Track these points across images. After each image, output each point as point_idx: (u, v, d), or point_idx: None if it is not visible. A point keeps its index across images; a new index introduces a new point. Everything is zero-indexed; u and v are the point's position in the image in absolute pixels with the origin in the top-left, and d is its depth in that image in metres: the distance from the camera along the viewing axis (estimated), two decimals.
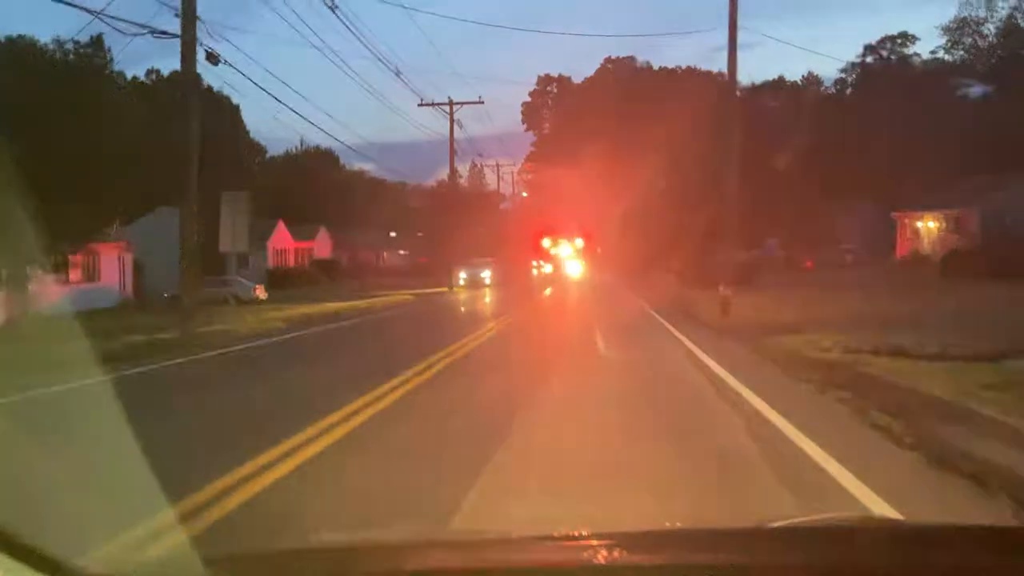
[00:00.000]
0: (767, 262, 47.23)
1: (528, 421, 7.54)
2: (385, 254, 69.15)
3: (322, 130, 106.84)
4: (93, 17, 13.66)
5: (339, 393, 8.76)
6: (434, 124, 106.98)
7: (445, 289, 40.88)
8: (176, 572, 1.71)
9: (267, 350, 14.99)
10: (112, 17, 13.46)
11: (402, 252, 72.53)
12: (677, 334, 15.86)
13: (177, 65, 15.74)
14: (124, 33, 13.62)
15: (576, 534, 1.85)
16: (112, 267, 33.35)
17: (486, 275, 45.67)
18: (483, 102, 42.59)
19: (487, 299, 33.39)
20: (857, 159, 53.61)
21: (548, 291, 34.92)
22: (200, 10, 15.10)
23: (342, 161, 76.88)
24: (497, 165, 72.26)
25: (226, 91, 72.79)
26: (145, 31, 13.68)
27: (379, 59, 29.63)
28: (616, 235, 69.49)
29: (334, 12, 20.80)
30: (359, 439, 6.82)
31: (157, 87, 68.49)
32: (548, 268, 63.75)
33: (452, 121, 39.95)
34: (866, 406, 7.55)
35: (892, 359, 10.66)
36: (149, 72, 70.57)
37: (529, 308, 26.91)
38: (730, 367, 10.68)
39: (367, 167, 78.02)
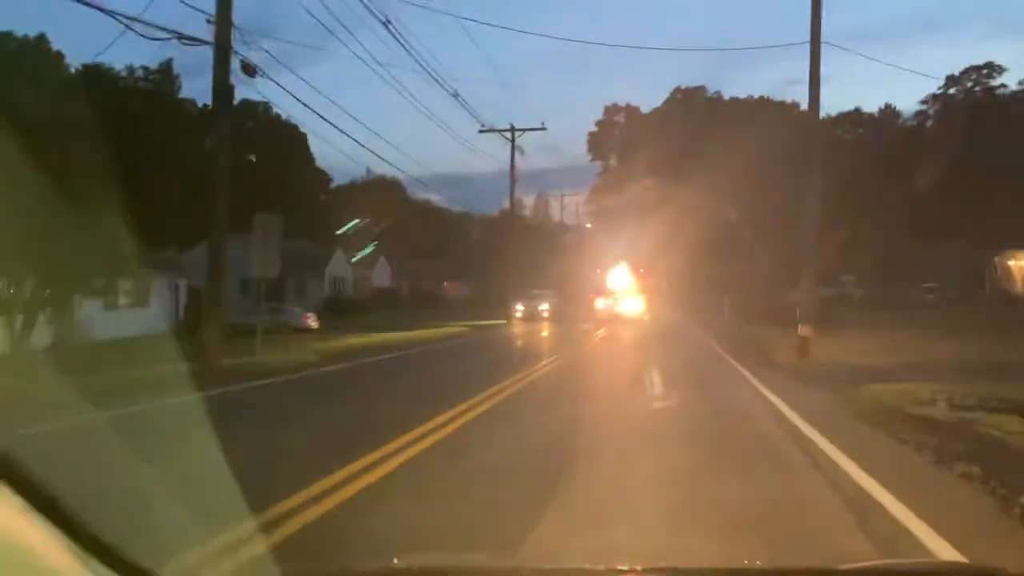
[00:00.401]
0: (843, 300, 44.73)
1: (558, 511, 5.96)
2: (447, 284, 68.23)
3: (384, 160, 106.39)
4: (121, 24, 12.64)
5: (327, 459, 6.91)
6: (500, 153, 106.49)
7: (503, 321, 39.51)
8: None
9: (285, 388, 13.70)
10: (133, 19, 12.48)
11: (463, 282, 71.56)
12: (752, 380, 14.08)
13: (246, 94, 14.80)
14: (148, 38, 12.63)
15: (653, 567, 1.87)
16: (163, 293, 32.79)
17: (544, 308, 44.17)
18: (546, 128, 41.42)
19: (544, 333, 31.84)
20: (941, 194, 50.83)
21: (604, 329, 33.20)
22: (275, 48, 14.22)
23: (408, 191, 76.90)
24: (562, 196, 70.92)
25: (294, 120, 72.72)
26: (170, 36, 12.68)
27: (436, 79, 28.71)
28: (684, 269, 67.52)
29: (387, 27, 19.72)
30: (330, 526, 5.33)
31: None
32: (609, 302, 62.11)
33: (513, 147, 38.77)
34: (1008, 489, 5.79)
35: (1012, 417, 8.85)
36: None
37: (586, 345, 25.28)
38: (819, 424, 8.91)
39: (433, 197, 77.69)
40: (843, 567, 1.78)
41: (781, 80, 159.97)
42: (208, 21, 13.60)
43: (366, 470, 6.58)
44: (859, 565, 1.80)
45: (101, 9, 12.04)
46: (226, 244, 15.48)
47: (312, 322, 31.83)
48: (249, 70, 14.42)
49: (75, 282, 22.55)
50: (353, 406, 11.36)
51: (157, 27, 12.75)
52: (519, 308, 43.13)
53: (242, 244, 18.48)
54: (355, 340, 22.99)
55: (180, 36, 13.00)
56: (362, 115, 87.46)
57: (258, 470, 6.40)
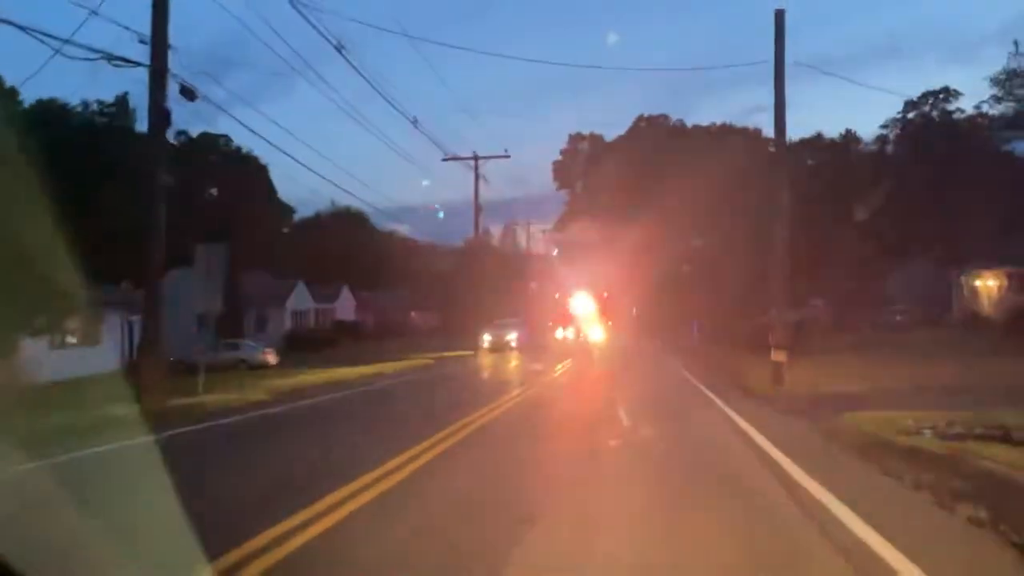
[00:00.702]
0: (813, 324, 44.36)
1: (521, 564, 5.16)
2: (413, 314, 67.18)
3: (346, 191, 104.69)
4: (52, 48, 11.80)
5: (249, 519, 6.09)
6: (465, 182, 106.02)
7: (470, 352, 38.60)
8: None
9: (226, 430, 12.72)
10: (66, 42, 11.62)
11: (430, 312, 70.60)
12: (728, 411, 13.37)
13: (206, 127, 13.97)
14: (78, 59, 11.73)
15: None
16: (115, 330, 31.52)
17: (512, 337, 43.46)
18: (509, 156, 40.80)
19: (512, 363, 31.01)
20: (905, 215, 51.00)
21: (571, 359, 32.48)
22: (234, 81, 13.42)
23: (372, 222, 76.03)
24: (527, 224, 70.48)
25: (255, 153, 71.78)
26: (99, 56, 11.80)
27: (393, 106, 28.12)
28: (653, 295, 67.28)
29: (340, 52, 19.00)
30: None
31: (182, 151, 68.38)
32: (569, 331, 61.43)
33: (477, 175, 38.14)
34: None
35: (1006, 448, 8.21)
36: (178, 134, 70.46)
37: (553, 375, 24.51)
38: (804, 461, 8.19)
39: (399, 227, 76.95)
40: None
41: (745, 108, 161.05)
42: (141, 42, 12.76)
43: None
44: None
45: (25, 29, 11.16)
46: (161, 279, 14.52)
47: (271, 357, 30.73)
48: (188, 94, 13.57)
49: (16, 321, 21.50)
50: (298, 451, 10.43)
51: (88, 48, 11.89)
52: (487, 338, 42.48)
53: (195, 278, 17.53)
54: (312, 376, 22.03)
55: (110, 57, 12.13)
56: (325, 148, 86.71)
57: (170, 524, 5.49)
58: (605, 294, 66.77)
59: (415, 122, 26.24)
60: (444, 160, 36.90)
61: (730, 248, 65.67)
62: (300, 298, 49.28)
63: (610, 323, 70.15)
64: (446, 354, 35.83)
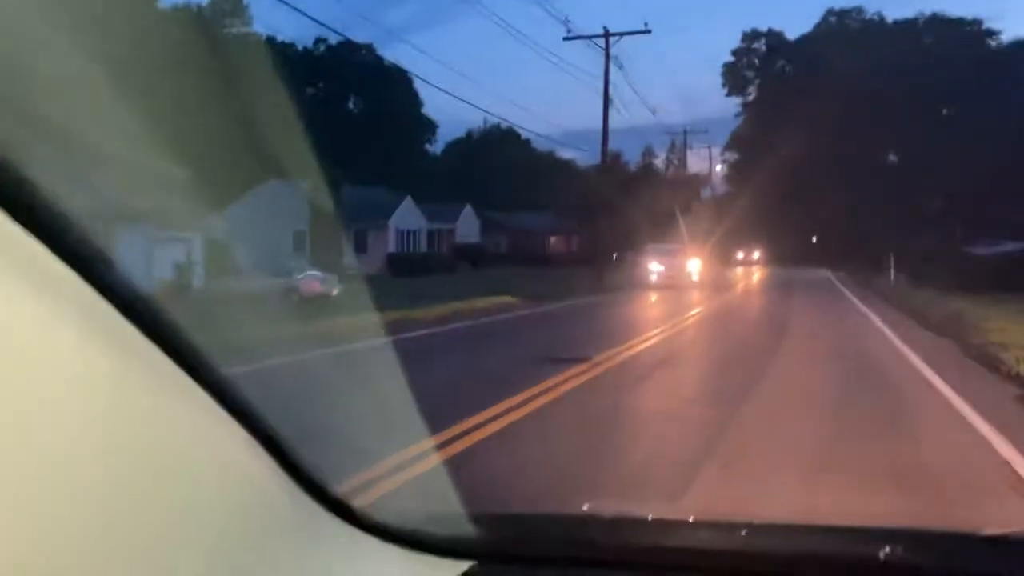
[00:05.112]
0: None
1: None
2: (553, 239, 59.65)
3: (493, 115, 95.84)
4: None
5: None
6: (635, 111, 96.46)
7: (628, 292, 29.13)
8: (445, 527, 1.58)
9: None
10: None
11: (572, 238, 62.91)
12: None
13: None
14: None
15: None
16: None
17: (694, 268, 33.20)
18: (650, 31, 30.80)
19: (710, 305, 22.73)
20: None
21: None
22: None
23: (532, 145, 69.87)
24: (684, 134, 60.98)
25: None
26: None
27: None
28: (837, 221, 57.36)
29: None
30: None
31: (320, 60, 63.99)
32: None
33: (608, 57, 29.56)
34: None
35: None
36: (317, 42, 66.25)
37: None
38: None
39: (564, 153, 70.78)
40: (988, 533, 1.62)
41: None
42: None
43: None
44: (997, 531, 1.58)
45: None
46: None
47: (324, 287, 23.89)
48: None
49: None
50: None
51: None
52: (653, 268, 32.65)
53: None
54: (351, 320, 15.06)
55: None
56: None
57: None
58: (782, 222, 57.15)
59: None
60: (566, 39, 28.61)
61: (932, 163, 54.49)
62: (407, 215, 42.37)
63: (784, 252, 60.74)
64: (594, 298, 26.91)
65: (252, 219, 34.99)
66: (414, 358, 10.63)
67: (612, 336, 14.54)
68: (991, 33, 63.82)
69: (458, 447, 6.20)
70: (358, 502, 1.34)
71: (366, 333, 14.03)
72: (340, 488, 1.27)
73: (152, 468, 0.90)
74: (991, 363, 11.02)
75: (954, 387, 9.08)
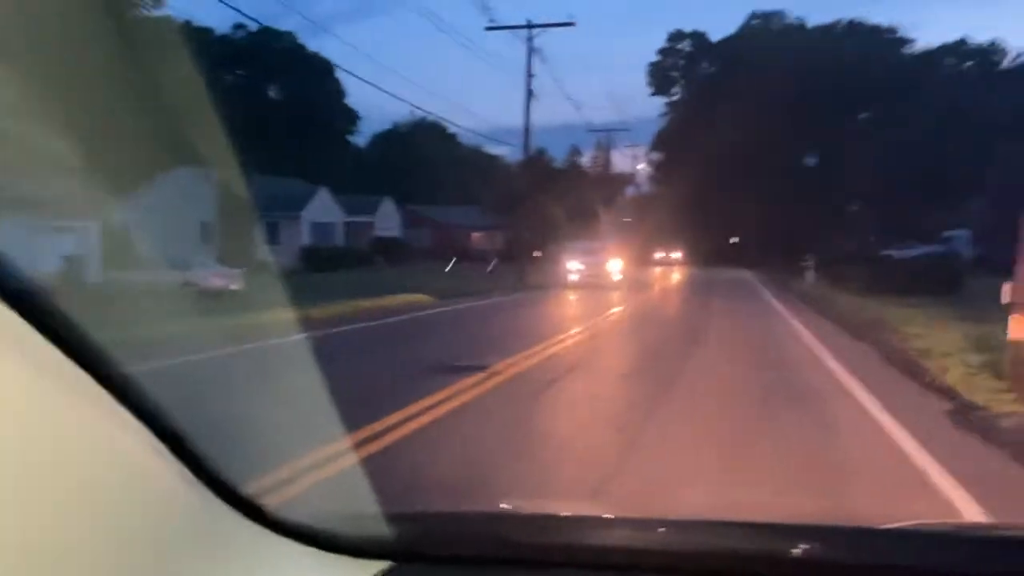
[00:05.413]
0: (950, 262, 32.00)
1: None
2: (475, 236, 58.68)
3: (419, 108, 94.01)
4: None
5: None
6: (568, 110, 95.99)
7: (543, 289, 28.98)
8: (359, 528, 1.52)
9: None
10: None
11: (494, 234, 62.32)
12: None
13: None
14: None
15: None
16: None
17: (615, 268, 32.28)
18: (574, 23, 29.90)
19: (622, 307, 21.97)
20: None
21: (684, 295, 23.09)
22: None
23: (459, 139, 69.21)
24: (608, 133, 60.76)
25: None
26: None
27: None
28: (756, 223, 57.97)
29: None
30: None
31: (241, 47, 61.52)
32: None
33: (530, 49, 28.76)
34: None
35: None
36: (236, 28, 63.90)
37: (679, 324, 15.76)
38: None
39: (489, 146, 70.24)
40: (886, 527, 1.59)
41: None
42: None
43: None
44: (903, 525, 1.58)
45: None
46: None
47: (224, 281, 22.52)
48: None
49: None
50: None
51: None
52: (572, 267, 31.69)
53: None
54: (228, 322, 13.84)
55: None
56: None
57: None
58: (703, 220, 57.38)
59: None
60: (488, 29, 27.68)
61: (853, 166, 55.40)
62: (322, 208, 40.77)
63: (705, 252, 61.02)
64: (513, 296, 26.52)
65: (158, 208, 33.18)
66: (290, 366, 9.51)
67: (520, 339, 13.68)
68: (905, 41, 65.36)
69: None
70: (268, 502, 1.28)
71: (251, 334, 12.91)
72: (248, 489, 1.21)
73: (48, 470, 0.86)
74: (912, 370, 10.57)
75: (881, 399, 8.48)
